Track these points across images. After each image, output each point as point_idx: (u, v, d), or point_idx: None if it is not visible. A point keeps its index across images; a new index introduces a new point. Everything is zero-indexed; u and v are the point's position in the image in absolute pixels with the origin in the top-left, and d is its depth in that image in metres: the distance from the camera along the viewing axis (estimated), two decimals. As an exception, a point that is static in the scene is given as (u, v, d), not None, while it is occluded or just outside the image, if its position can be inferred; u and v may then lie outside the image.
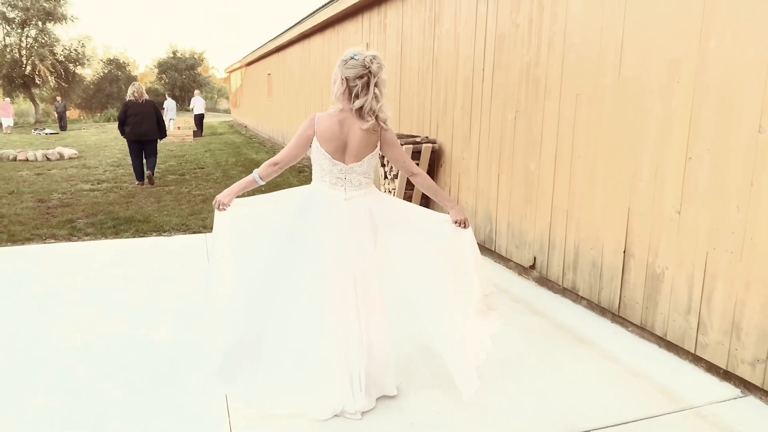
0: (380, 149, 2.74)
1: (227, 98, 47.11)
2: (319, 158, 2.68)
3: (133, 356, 3.36)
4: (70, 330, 3.72)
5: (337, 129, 2.63)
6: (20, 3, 32.35)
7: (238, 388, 2.69)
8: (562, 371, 3.22)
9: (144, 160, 9.52)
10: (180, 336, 3.64)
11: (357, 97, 2.59)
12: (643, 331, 3.63)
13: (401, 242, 2.83)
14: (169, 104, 21.23)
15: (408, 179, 5.26)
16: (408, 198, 6.47)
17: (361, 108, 2.60)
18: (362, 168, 2.69)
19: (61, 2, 33.99)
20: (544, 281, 4.61)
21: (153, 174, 9.52)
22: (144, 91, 9.46)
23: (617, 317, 3.84)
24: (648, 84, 3.47)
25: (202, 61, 49.96)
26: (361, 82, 2.56)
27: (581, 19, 4.03)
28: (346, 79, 2.58)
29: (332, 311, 2.67)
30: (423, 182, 2.89)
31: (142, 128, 9.21)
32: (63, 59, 35.05)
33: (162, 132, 9.56)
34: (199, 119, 21.31)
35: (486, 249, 5.46)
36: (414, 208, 3.02)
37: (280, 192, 2.90)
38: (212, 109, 47.37)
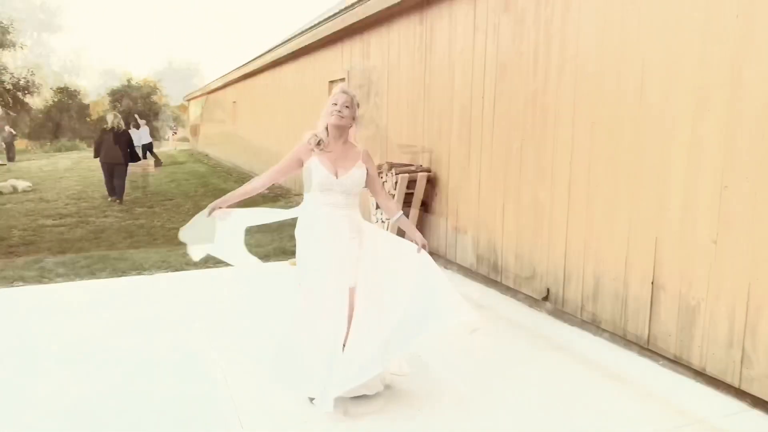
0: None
1: (183, 126, 46.22)
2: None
3: (134, 418, 2.99)
4: (57, 390, 3.30)
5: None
6: (-36, 29, 30.99)
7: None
8: (602, 410, 3.06)
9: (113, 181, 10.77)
10: (184, 392, 3.28)
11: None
12: (676, 364, 3.51)
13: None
14: (143, 131, 20.46)
15: (403, 209, 5.80)
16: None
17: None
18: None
19: (9, 28, 32.77)
20: (560, 313, 4.47)
21: (122, 197, 10.82)
22: (120, 120, 10.96)
23: (646, 350, 3.72)
24: (674, 111, 3.43)
25: (156, 89, 48.97)
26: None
27: (595, 47, 4.00)
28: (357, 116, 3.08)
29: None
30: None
31: (111, 155, 10.49)
32: (11, 87, 33.61)
33: (133, 157, 11.05)
34: (148, 147, 20.37)
35: (491, 280, 5.30)
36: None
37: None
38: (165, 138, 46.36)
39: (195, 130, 30.13)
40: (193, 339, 4.07)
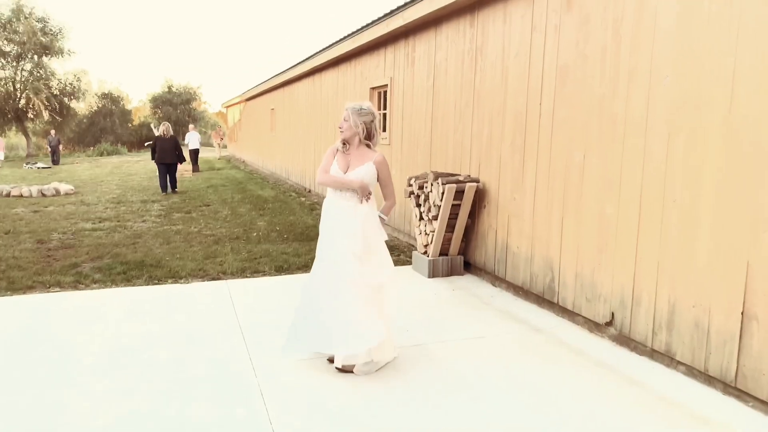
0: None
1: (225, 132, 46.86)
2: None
3: (172, 445, 2.75)
4: (90, 408, 3.10)
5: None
6: (17, 37, 32.08)
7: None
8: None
9: (168, 177, 13.16)
10: (222, 415, 3.03)
11: (372, 134, 3.65)
12: (771, 407, 3.09)
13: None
14: (192, 136, 20.80)
15: (448, 221, 5.87)
16: (447, 241, 5.96)
17: (374, 141, 3.69)
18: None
19: (58, 36, 33.81)
20: (625, 340, 4.07)
21: (175, 187, 13.32)
22: (170, 128, 13.28)
23: (732, 388, 3.30)
24: (772, 120, 3.03)
25: (196, 96, 49.90)
26: (374, 125, 3.63)
27: (674, 48, 3.62)
28: (365, 123, 3.59)
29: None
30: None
31: (166, 156, 12.95)
32: (58, 93, 34.66)
33: (180, 158, 13.38)
34: (194, 154, 20.74)
35: (545, 300, 4.93)
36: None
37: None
38: (206, 143, 47.01)
39: (233, 136, 30.41)
40: (231, 355, 3.83)
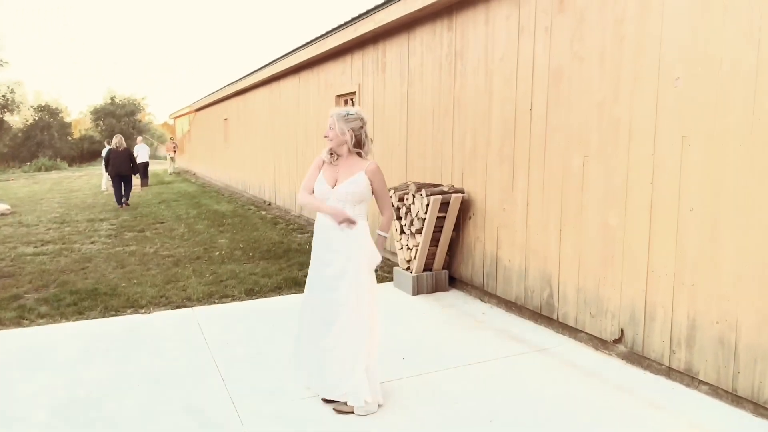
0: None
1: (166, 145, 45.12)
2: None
3: None
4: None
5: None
6: (-58, 46, 29.90)
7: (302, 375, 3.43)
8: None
9: (122, 190, 12.99)
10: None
11: (362, 141, 3.26)
12: (811, 429, 2.87)
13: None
14: (141, 148, 19.63)
15: (433, 235, 5.50)
16: (431, 255, 5.62)
17: (365, 150, 3.29)
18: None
19: (-12, 45, 31.76)
20: (638, 359, 3.82)
21: (128, 200, 13.14)
22: (123, 141, 13.09)
23: (764, 409, 3.08)
24: (803, 122, 2.83)
25: (141, 107, 47.99)
26: (363, 131, 3.25)
27: (685, 46, 3.41)
28: (352, 130, 3.21)
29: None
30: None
31: (121, 169, 12.82)
32: (-11, 105, 32.52)
33: (135, 170, 13.32)
34: (144, 167, 19.71)
35: (542, 317, 4.65)
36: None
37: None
38: (152, 156, 45.21)
39: (181, 148, 29.22)
40: (210, 400, 3.34)
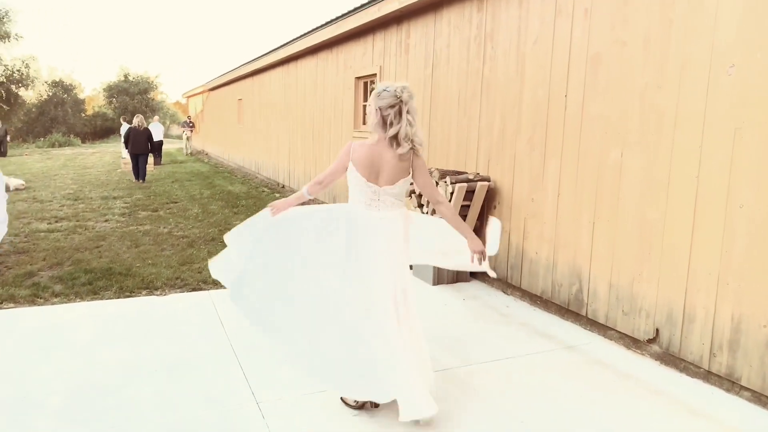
0: (412, 175, 2.95)
1: (179, 124, 44.99)
2: (355, 180, 2.90)
3: None
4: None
5: (370, 156, 2.87)
6: (-42, 19, 29.92)
7: (242, 308, 3.03)
8: None
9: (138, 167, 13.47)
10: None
11: (391, 125, 2.82)
12: None
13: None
14: (155, 127, 19.53)
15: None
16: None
17: (395, 135, 2.82)
18: (395, 191, 2.91)
19: (5, 20, 31.66)
20: (673, 360, 3.65)
21: (144, 178, 13.57)
22: (144, 121, 13.67)
23: (813, 420, 2.91)
24: None
25: (154, 85, 47.85)
26: (393, 111, 2.81)
27: (741, 31, 3.19)
28: (380, 109, 2.82)
29: (377, 318, 2.90)
30: (447, 212, 3.03)
31: (140, 148, 13.38)
32: (4, 80, 32.54)
33: (152, 149, 14.03)
34: (158, 146, 19.63)
35: (570, 312, 4.49)
36: (441, 229, 3.13)
37: (319, 206, 3.12)
38: (164, 135, 45.16)
39: (194, 128, 29.07)
40: (229, 390, 3.22)
